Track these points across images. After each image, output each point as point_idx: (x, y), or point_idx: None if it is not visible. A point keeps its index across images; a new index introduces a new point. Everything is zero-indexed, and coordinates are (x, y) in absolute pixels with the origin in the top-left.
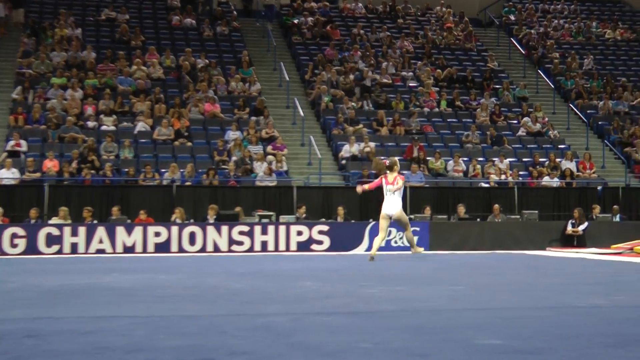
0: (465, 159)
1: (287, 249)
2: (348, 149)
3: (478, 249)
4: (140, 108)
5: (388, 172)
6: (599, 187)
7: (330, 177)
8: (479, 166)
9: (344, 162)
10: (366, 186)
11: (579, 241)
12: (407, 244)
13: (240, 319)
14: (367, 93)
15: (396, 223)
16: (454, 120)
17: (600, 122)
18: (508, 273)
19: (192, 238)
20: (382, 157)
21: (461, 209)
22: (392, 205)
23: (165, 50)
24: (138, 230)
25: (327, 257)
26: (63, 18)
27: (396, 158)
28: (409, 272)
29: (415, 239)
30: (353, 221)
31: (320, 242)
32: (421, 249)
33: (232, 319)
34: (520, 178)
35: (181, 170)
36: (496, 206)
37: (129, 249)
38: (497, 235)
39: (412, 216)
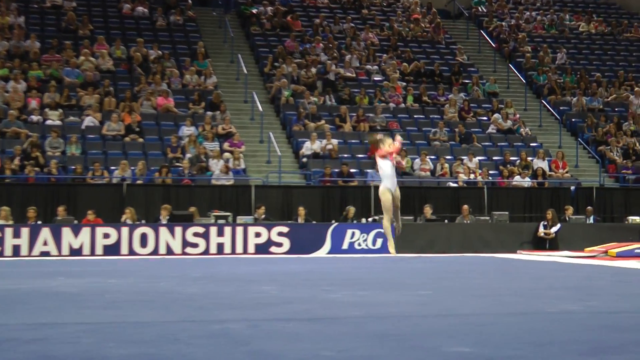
0: (432, 157)
1: (245, 252)
2: (309, 146)
3: (446, 252)
4: (88, 101)
5: (381, 146)
6: (572, 187)
7: (290, 176)
8: (447, 165)
9: (304, 160)
10: (398, 144)
11: (551, 244)
12: (372, 247)
13: (195, 325)
14: (330, 87)
15: (393, 204)
16: (421, 116)
17: (573, 120)
18: (477, 277)
19: (143, 240)
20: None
21: (428, 210)
22: (394, 178)
23: (115, 40)
24: (86, 232)
25: (287, 260)
26: (4, 5)
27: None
28: (374, 276)
29: (380, 240)
30: (314, 222)
31: (279, 245)
32: (394, 252)
33: (187, 325)
34: (490, 177)
35: (132, 167)
36: (465, 207)
37: (75, 252)
38: (465, 238)
39: (376, 217)
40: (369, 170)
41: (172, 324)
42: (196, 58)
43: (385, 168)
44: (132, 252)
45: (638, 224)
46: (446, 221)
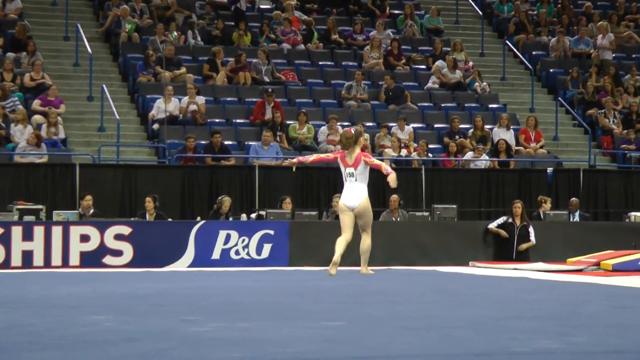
0: (345, 123)
1: (65, 264)
2: (162, 107)
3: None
4: None
5: (346, 149)
6: (549, 170)
7: (134, 151)
8: (366, 135)
9: (155, 126)
10: (303, 158)
11: (519, 253)
12: (257, 256)
13: None
14: (193, 20)
15: (357, 219)
16: (328, 63)
17: (551, 70)
18: (411, 301)
19: None
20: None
21: (336, 201)
22: (355, 194)
23: None
24: None
25: (130, 277)
26: None
27: (360, 128)
28: (260, 299)
29: (269, 246)
30: (170, 220)
31: (118, 253)
32: (371, 271)
33: None
34: (431, 155)
35: None
36: (393, 197)
37: None
38: (394, 242)
39: (262, 212)
40: (252, 143)
41: None
42: None
43: (346, 180)
44: None
45: None
46: None
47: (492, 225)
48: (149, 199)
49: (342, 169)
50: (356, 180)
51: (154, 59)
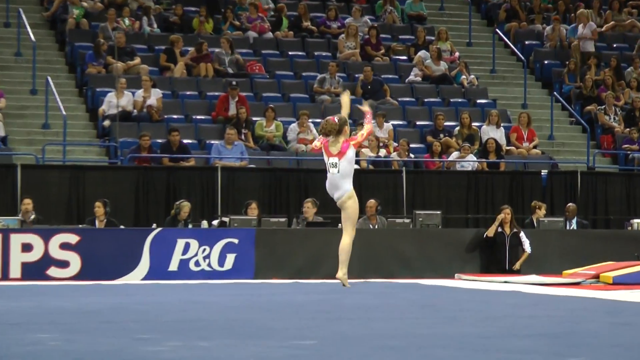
0: (317, 120)
1: (5, 276)
2: (114, 102)
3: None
4: None
5: (331, 137)
6: (544, 172)
7: (83, 150)
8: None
9: (106, 123)
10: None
11: (511, 264)
12: (220, 267)
13: None
14: (149, 5)
15: (342, 212)
16: (299, 53)
17: (546, 62)
18: (390, 317)
19: None
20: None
21: (310, 208)
22: (337, 184)
23: None
24: None
25: (78, 290)
26: None
27: (344, 115)
28: (226, 315)
29: (233, 257)
30: (122, 227)
31: (64, 264)
32: (347, 279)
33: None
34: (412, 155)
35: None
36: (371, 202)
37: None
38: (371, 252)
39: (225, 218)
40: (214, 142)
41: None
42: None
43: (330, 170)
44: None
45: None
46: (339, 225)
47: (490, 230)
48: (99, 203)
49: (326, 158)
50: (339, 171)
51: (104, 48)
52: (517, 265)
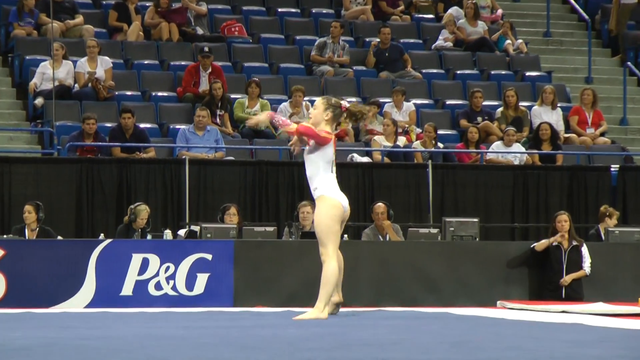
0: (314, 98)
1: None
2: (49, 73)
3: (344, 305)
4: None
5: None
6: (614, 168)
7: (7, 138)
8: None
9: (39, 101)
10: (282, 120)
11: (567, 288)
12: (187, 291)
13: None
14: None
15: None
16: (292, 10)
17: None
18: (412, 357)
19: None
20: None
21: (309, 213)
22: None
23: None
24: None
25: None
26: None
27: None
28: (196, 354)
29: (205, 277)
30: (61, 238)
31: None
32: (323, 313)
33: None
34: (441, 145)
35: None
36: (380, 206)
37: None
38: (386, 272)
39: (194, 227)
40: (180, 127)
41: None
42: None
43: (332, 169)
44: None
45: None
46: (345, 236)
47: (540, 244)
48: (30, 207)
49: (329, 156)
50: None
51: (34, 3)
52: (566, 279)
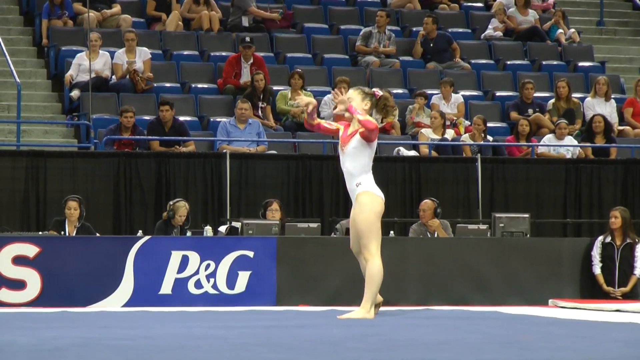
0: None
1: None
2: (85, 65)
3: (393, 302)
4: None
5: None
6: None
7: (43, 131)
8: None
9: (75, 94)
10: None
11: (621, 285)
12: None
13: None
14: None
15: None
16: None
17: None
18: (462, 358)
19: None
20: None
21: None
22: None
23: None
24: None
25: (36, 319)
26: None
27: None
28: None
29: (246, 275)
30: (99, 235)
31: (18, 285)
32: (369, 314)
33: None
34: (491, 138)
35: None
36: (426, 202)
37: None
38: (434, 270)
39: (236, 224)
40: (221, 120)
41: None
42: None
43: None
44: None
45: None
46: (392, 233)
47: (597, 268)
48: (75, 203)
49: (374, 152)
50: (344, 164)
51: None
52: (617, 293)
